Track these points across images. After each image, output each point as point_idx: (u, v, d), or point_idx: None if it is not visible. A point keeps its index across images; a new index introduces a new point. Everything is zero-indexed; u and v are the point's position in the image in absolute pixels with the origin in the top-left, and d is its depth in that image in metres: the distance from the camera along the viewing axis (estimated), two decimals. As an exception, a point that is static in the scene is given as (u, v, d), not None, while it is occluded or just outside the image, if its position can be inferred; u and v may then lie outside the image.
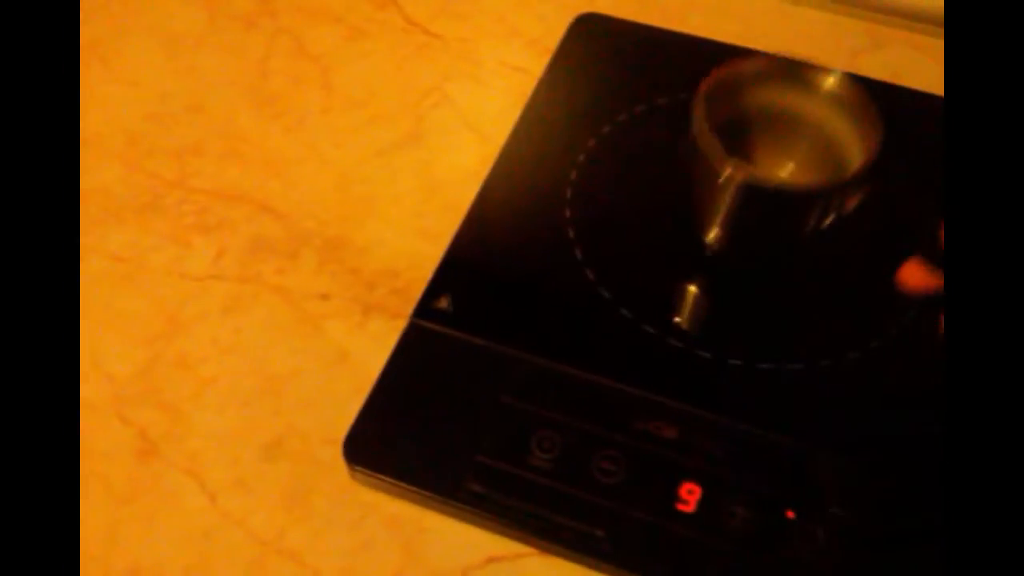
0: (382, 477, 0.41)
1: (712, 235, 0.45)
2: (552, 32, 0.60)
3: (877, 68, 0.59)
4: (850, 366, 0.45)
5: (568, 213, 0.50)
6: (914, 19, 0.61)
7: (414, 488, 0.41)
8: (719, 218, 0.44)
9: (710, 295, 0.48)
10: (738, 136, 0.46)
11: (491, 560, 0.40)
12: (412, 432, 0.42)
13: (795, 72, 0.45)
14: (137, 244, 0.50)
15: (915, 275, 0.39)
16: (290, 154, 0.55)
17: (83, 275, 0.48)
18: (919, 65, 0.59)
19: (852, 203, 0.41)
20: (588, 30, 0.59)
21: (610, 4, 0.62)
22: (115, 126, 0.55)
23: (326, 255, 0.50)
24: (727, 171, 0.41)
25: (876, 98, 0.43)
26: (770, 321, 0.47)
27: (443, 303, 0.46)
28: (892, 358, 0.45)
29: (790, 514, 0.40)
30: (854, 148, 0.42)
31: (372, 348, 0.46)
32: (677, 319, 0.47)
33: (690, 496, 0.40)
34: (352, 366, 0.45)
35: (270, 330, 0.47)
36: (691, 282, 0.48)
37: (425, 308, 0.46)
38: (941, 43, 0.59)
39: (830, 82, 0.44)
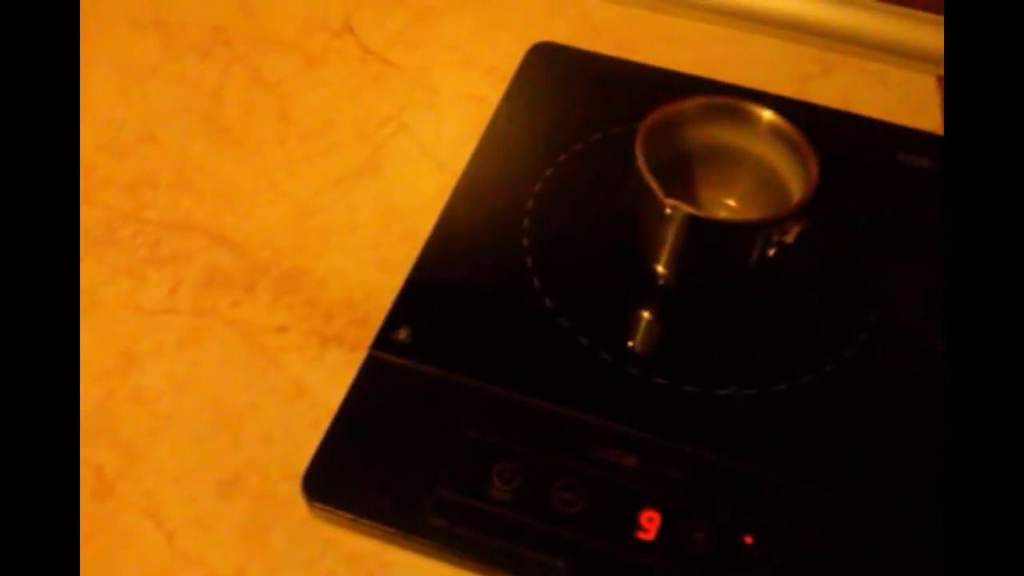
0: (342, 513, 0.41)
1: (661, 268, 0.46)
2: (509, 60, 0.60)
3: (827, 94, 0.60)
4: (804, 390, 0.45)
5: (526, 242, 0.50)
6: (863, 46, 0.63)
7: (374, 523, 0.40)
8: (666, 252, 0.45)
9: (666, 323, 0.49)
10: (683, 171, 0.47)
11: (452, 594, 0.40)
12: (372, 466, 0.42)
13: (732, 110, 0.46)
14: (91, 277, 0.50)
15: None
16: (245, 184, 0.54)
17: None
18: (868, 91, 0.60)
19: (793, 234, 0.42)
20: (544, 59, 0.60)
21: (566, 33, 0.62)
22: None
23: (283, 287, 0.49)
24: (668, 209, 0.42)
25: (810, 133, 0.45)
26: (725, 347, 0.47)
27: (402, 335, 0.46)
28: (845, 381, 0.46)
29: (748, 539, 0.40)
30: (794, 180, 0.44)
31: (331, 381, 0.45)
32: (633, 345, 0.47)
33: (650, 524, 0.41)
34: (310, 399, 0.45)
35: (226, 364, 0.46)
36: (647, 310, 0.49)
37: (384, 340, 0.46)
38: (889, 68, 0.61)
39: (766, 118, 0.46)
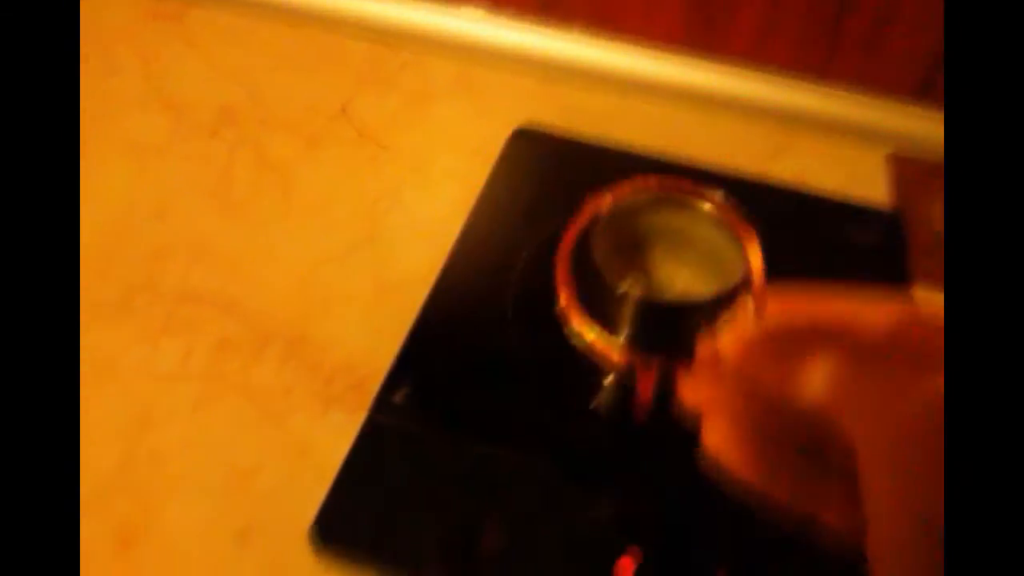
0: (346, 559, 0.45)
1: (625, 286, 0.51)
2: (493, 143, 0.66)
3: (784, 171, 0.65)
4: None
5: (510, 314, 0.55)
6: (820, 126, 0.69)
7: (377, 567, 0.45)
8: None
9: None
10: (639, 250, 0.54)
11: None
12: (371, 518, 0.46)
13: (678, 200, 0.53)
14: (110, 345, 0.54)
15: None
16: (252, 257, 0.59)
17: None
18: (823, 169, 0.66)
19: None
20: (525, 142, 0.65)
21: (547, 116, 0.68)
22: (85, 233, 0.59)
23: (287, 353, 0.54)
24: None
25: (765, 208, 0.51)
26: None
27: (398, 397, 0.51)
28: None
29: None
30: (736, 256, 0.50)
31: (333, 440, 0.49)
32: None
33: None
34: (314, 458, 0.49)
35: (235, 426, 0.51)
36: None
37: (382, 402, 0.50)
38: (842, 150, 0.67)
39: (706, 208, 0.52)
